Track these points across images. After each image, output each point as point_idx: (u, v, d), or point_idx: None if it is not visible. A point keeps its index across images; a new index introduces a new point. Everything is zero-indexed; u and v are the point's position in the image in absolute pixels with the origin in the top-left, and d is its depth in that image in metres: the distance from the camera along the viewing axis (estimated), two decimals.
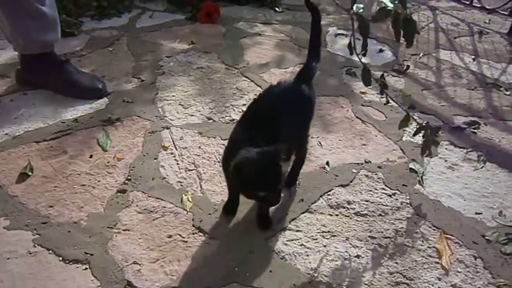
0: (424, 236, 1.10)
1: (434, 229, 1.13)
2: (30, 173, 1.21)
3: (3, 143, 1.32)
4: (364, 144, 1.43)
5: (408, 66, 1.94)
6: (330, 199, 1.20)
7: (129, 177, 1.23)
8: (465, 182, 1.30)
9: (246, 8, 2.62)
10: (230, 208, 1.14)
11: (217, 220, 1.11)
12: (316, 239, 1.08)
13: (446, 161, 1.38)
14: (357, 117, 1.57)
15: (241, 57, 1.97)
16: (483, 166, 1.36)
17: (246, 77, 1.81)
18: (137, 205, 1.14)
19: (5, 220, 1.06)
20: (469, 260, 1.04)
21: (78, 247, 1.01)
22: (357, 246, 1.07)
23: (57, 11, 1.57)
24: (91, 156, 1.30)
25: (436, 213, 1.18)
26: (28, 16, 1.46)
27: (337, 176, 1.29)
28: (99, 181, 1.21)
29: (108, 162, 1.28)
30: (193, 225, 1.10)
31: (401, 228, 1.12)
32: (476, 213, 1.18)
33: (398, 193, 1.24)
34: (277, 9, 2.62)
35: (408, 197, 1.22)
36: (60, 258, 0.98)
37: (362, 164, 1.35)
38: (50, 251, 1.00)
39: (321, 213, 1.16)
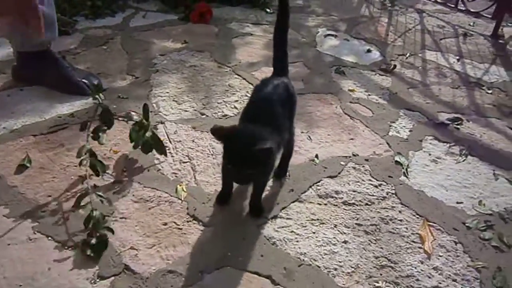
0: (408, 223, 1.16)
1: (417, 217, 1.18)
2: (28, 165, 1.24)
3: (1, 136, 1.35)
4: (352, 139, 1.49)
5: (395, 66, 2.01)
6: (319, 189, 1.25)
7: (125, 169, 1.27)
8: (447, 174, 1.36)
9: (238, 9, 2.67)
10: (223, 198, 1.18)
11: (211, 209, 1.16)
12: (305, 226, 1.13)
13: (430, 154, 1.44)
14: (345, 113, 1.63)
15: (232, 56, 2.03)
16: (464, 159, 1.43)
17: (238, 75, 1.86)
18: (133, 195, 1.18)
19: (5, 208, 1.10)
20: (450, 245, 1.10)
21: (77, 234, 1.04)
22: (345, 233, 1.12)
23: (55, 11, 1.61)
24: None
25: (420, 202, 1.23)
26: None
27: (325, 168, 1.34)
28: (96, 172, 1.24)
29: (104, 155, 1.32)
30: (188, 214, 1.14)
31: (387, 216, 1.18)
32: (457, 203, 1.24)
33: (384, 184, 1.29)
34: (268, 10, 2.68)
35: (393, 188, 1.28)
36: (59, 244, 1.02)
37: (350, 157, 1.40)
38: (49, 238, 1.03)
39: (310, 202, 1.21)
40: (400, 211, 1.20)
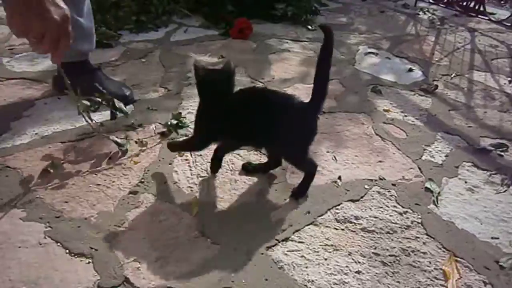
0: (432, 257, 1.06)
1: (443, 251, 1.08)
2: (51, 170, 1.28)
3: (32, 142, 1.41)
4: (380, 161, 1.41)
5: (436, 86, 1.90)
6: (337, 213, 1.19)
7: (142, 180, 1.27)
8: (484, 205, 1.24)
9: (279, 25, 2.67)
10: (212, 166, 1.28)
11: (222, 226, 1.12)
12: (317, 251, 1.06)
13: (466, 182, 1.33)
14: (376, 134, 1.55)
15: (267, 72, 2.01)
16: (506, 190, 1.30)
17: None
18: (146, 207, 1.18)
19: (22, 212, 1.13)
20: (477, 286, 0.99)
21: (85, 242, 1.05)
22: (359, 262, 1.04)
23: (93, 22, 1.67)
24: (110, 158, 1.35)
25: (448, 235, 1.13)
26: None
27: (348, 191, 1.27)
28: (113, 181, 1.26)
29: (125, 165, 1.33)
30: (197, 229, 1.11)
31: (409, 247, 1.08)
32: (492, 238, 1.12)
33: (410, 211, 1.20)
34: (309, 27, 2.65)
35: (419, 216, 1.18)
36: (67, 251, 1.02)
37: (375, 180, 1.32)
38: (59, 244, 1.04)
39: (327, 226, 1.14)
40: (424, 243, 1.10)
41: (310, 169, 1.22)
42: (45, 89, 1.75)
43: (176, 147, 1.32)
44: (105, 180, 1.27)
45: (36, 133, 1.45)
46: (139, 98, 1.71)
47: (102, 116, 1.58)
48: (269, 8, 2.78)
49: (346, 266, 1.02)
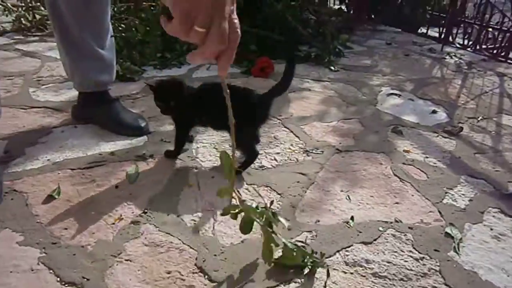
0: None
1: None
2: (56, 196, 1.27)
3: (42, 167, 1.41)
4: (397, 203, 1.32)
5: (461, 128, 1.81)
6: (347, 255, 1.10)
7: (145, 210, 1.24)
8: (511, 255, 1.12)
9: (302, 66, 2.68)
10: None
11: (222, 263, 1.06)
12: None
13: (492, 229, 1.22)
14: (395, 175, 1.47)
15: (285, 109, 1.98)
16: None
17: (286, 127, 1.80)
18: (145, 238, 1.13)
19: (20, 236, 1.10)
20: None
21: (78, 271, 1.01)
22: None
23: (115, 55, 1.72)
24: (116, 187, 1.33)
25: (470, 286, 1.02)
26: (87, 58, 1.60)
27: (360, 232, 1.19)
28: (116, 210, 1.23)
29: (130, 194, 1.30)
30: (195, 265, 1.05)
31: None
32: None
33: (427, 258, 1.10)
34: (332, 68, 2.64)
35: (438, 264, 1.08)
36: (58, 279, 0.98)
37: (391, 223, 1.23)
38: (51, 271, 1.00)
39: (335, 269, 1.05)
40: None
41: (251, 156, 1.44)
42: (64, 117, 1.78)
43: (171, 151, 1.51)
44: (108, 208, 1.24)
45: (48, 159, 1.46)
46: (154, 130, 1.70)
47: (115, 145, 1.57)
48: (292, 49, 2.81)
49: None
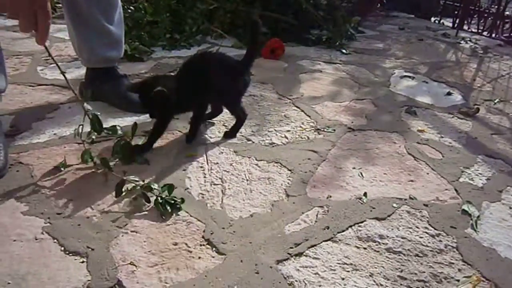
0: None
1: (483, 281, 0.93)
2: (62, 169, 1.24)
3: (49, 141, 1.39)
4: (411, 180, 1.28)
5: (478, 109, 1.76)
6: (360, 230, 1.06)
7: (153, 183, 1.20)
8: None
9: (313, 49, 2.63)
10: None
11: (230, 236, 1.03)
12: (334, 270, 0.94)
13: (511, 208, 1.17)
14: (409, 153, 1.43)
15: (296, 89, 1.94)
16: None
17: (297, 107, 1.76)
18: (152, 210, 1.10)
19: (25, 206, 1.08)
20: None
21: (82, 241, 0.98)
22: (382, 285, 0.91)
23: (123, 31, 1.68)
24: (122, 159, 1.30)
25: (489, 263, 0.98)
26: (96, 33, 1.57)
27: (373, 208, 1.15)
28: (123, 183, 1.20)
29: (137, 168, 1.27)
30: (203, 237, 1.02)
31: (441, 273, 0.94)
32: None
33: (444, 234, 1.06)
34: (344, 51, 2.58)
35: (455, 241, 1.04)
36: (62, 248, 0.96)
37: (405, 200, 1.19)
38: (55, 240, 0.98)
39: (347, 243, 1.02)
40: (459, 270, 0.95)
41: (241, 116, 1.47)
42: (71, 94, 1.74)
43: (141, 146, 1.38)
44: (114, 182, 1.20)
45: (54, 134, 1.43)
46: None
47: (122, 121, 1.55)
48: (303, 32, 2.75)
49: None
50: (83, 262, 0.93)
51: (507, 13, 2.95)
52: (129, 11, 2.54)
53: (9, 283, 0.86)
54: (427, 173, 1.32)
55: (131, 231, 1.02)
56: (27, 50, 2.26)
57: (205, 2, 2.66)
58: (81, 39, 1.59)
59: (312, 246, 1.01)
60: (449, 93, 1.96)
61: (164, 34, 2.47)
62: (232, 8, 2.69)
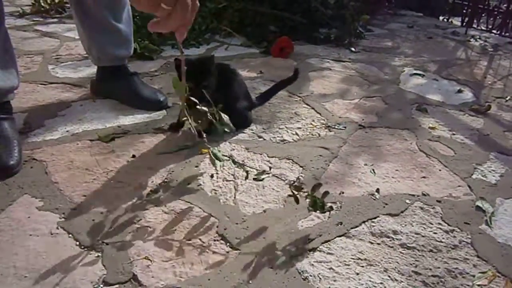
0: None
1: (498, 276, 0.92)
2: (76, 165, 1.25)
3: (61, 138, 1.40)
4: (424, 177, 1.27)
5: (489, 106, 1.75)
6: (373, 226, 1.06)
7: (166, 180, 1.21)
8: None
9: (321, 47, 2.62)
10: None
11: (244, 231, 1.03)
12: (348, 265, 0.94)
13: None
14: (420, 150, 1.42)
15: (305, 87, 1.94)
16: None
17: (307, 104, 1.75)
18: (165, 206, 1.11)
19: (40, 201, 1.09)
20: None
21: (97, 236, 0.99)
22: (396, 280, 0.90)
23: (132, 29, 1.69)
24: (133, 156, 1.31)
25: (504, 259, 0.97)
26: (104, 31, 1.57)
27: (386, 204, 1.14)
28: (136, 179, 1.21)
29: (150, 164, 1.28)
30: (217, 232, 1.02)
31: (455, 268, 0.94)
32: None
33: (458, 230, 1.05)
34: (353, 49, 2.58)
35: (469, 236, 1.03)
36: (77, 243, 0.96)
37: (418, 196, 1.18)
38: (70, 235, 0.99)
39: (361, 239, 1.02)
40: (474, 265, 0.95)
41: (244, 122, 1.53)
42: (83, 92, 1.76)
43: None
44: (128, 177, 1.22)
45: (67, 131, 1.44)
46: (172, 105, 1.68)
47: (134, 119, 1.55)
48: (312, 30, 2.75)
49: (381, 283, 0.89)
50: (98, 257, 0.93)
51: None
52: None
53: (25, 276, 0.87)
54: (440, 170, 1.31)
55: (146, 227, 1.03)
56: (38, 49, 2.28)
57: (214, 1, 2.67)
58: (90, 38, 1.60)
59: (326, 241, 1.00)
60: (459, 91, 1.95)
61: (173, 33, 2.47)
62: (241, 7, 2.69)
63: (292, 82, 1.57)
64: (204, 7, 2.63)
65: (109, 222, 1.04)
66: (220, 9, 2.67)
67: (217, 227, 1.04)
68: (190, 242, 0.99)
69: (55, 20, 2.96)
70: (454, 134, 1.54)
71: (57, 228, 1.01)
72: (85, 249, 0.95)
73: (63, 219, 1.04)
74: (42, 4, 3.10)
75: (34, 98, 1.68)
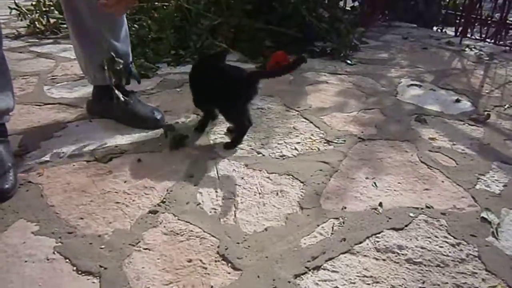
0: None
1: None
2: (72, 187, 1.23)
3: (57, 160, 1.38)
4: (427, 189, 1.25)
5: (489, 115, 1.74)
6: (378, 241, 1.04)
7: (164, 200, 1.19)
8: None
9: (317, 60, 2.62)
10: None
11: (245, 251, 1.00)
12: (354, 283, 0.91)
13: None
14: (422, 162, 1.40)
15: (303, 101, 1.93)
16: None
17: (305, 118, 1.74)
18: (164, 226, 1.08)
19: (36, 226, 1.07)
20: None
21: (95, 260, 0.96)
22: None
23: (129, 47, 1.68)
24: (133, 177, 1.29)
25: None
26: (101, 50, 1.57)
27: (390, 218, 1.12)
28: (134, 200, 1.18)
29: (148, 184, 1.26)
30: (218, 253, 1.00)
31: (464, 283, 0.91)
32: None
33: (464, 243, 1.03)
34: (348, 61, 2.58)
35: (476, 249, 1.01)
36: (74, 268, 0.94)
37: (422, 209, 1.16)
38: (67, 260, 0.96)
39: (365, 255, 0.99)
40: (483, 279, 0.92)
41: (241, 129, 1.50)
42: (78, 113, 1.75)
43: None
44: (125, 198, 1.19)
45: (63, 152, 1.42)
46: (170, 123, 1.66)
47: (131, 138, 1.54)
48: (308, 44, 2.76)
49: None
50: (96, 281, 0.90)
51: (511, 19, 2.95)
52: (134, 28, 2.56)
53: None
54: (442, 181, 1.29)
55: (144, 249, 1.00)
56: (33, 70, 2.27)
57: (208, 18, 2.68)
58: (87, 56, 1.59)
59: (330, 259, 0.98)
60: (457, 100, 1.95)
61: (169, 51, 2.48)
62: (236, 23, 2.70)
63: (295, 68, 1.50)
64: (200, 25, 2.64)
65: (107, 245, 1.01)
66: (215, 25, 2.67)
67: (218, 247, 1.01)
68: (190, 263, 0.96)
69: (51, 40, 2.96)
70: (454, 144, 1.52)
71: (53, 253, 0.98)
72: (83, 274, 0.93)
73: (59, 244, 1.01)
74: (37, 25, 3.11)
75: (30, 120, 1.67)
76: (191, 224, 1.09)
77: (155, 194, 1.21)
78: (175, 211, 1.14)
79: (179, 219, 1.11)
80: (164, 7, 2.79)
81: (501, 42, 2.98)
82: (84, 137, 1.53)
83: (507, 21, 2.96)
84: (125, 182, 1.27)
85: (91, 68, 1.61)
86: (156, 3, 2.85)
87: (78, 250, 0.99)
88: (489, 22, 3.09)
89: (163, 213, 1.13)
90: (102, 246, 1.01)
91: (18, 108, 1.74)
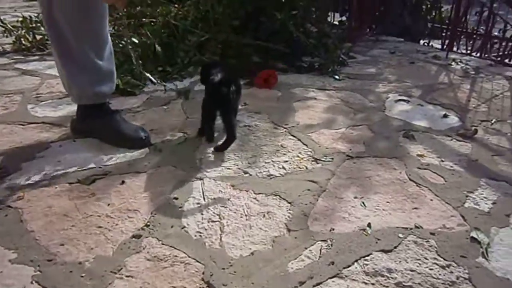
0: None
1: None
2: (53, 211, 1.19)
3: (39, 182, 1.34)
4: (415, 208, 1.24)
5: (476, 130, 1.74)
6: (366, 264, 1.01)
7: (148, 223, 1.16)
8: None
9: (305, 76, 2.62)
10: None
11: (231, 277, 0.98)
12: None
13: None
14: (410, 180, 1.39)
15: (291, 118, 1.91)
16: None
17: (293, 135, 1.73)
18: (148, 252, 1.05)
19: (13, 253, 1.03)
20: None
21: None
22: None
23: (114, 65, 1.66)
24: (112, 199, 1.26)
25: None
26: (84, 69, 1.54)
27: (378, 240, 1.10)
28: (117, 224, 1.15)
29: (131, 207, 1.23)
30: (202, 279, 0.97)
31: None
32: None
33: (454, 265, 1.01)
34: (336, 77, 2.58)
35: (466, 271, 0.99)
36: None
37: (411, 229, 1.15)
38: None
39: (354, 279, 0.97)
40: None
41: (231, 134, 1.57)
42: (63, 132, 1.71)
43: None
44: (108, 222, 1.16)
45: (44, 174, 1.39)
46: (156, 142, 1.63)
47: (116, 158, 1.51)
48: (295, 60, 2.76)
49: None
50: None
51: (495, 33, 2.99)
52: (120, 45, 2.55)
53: None
54: (431, 200, 1.28)
55: (126, 276, 0.97)
56: (17, 88, 2.24)
57: (196, 35, 2.67)
58: (71, 76, 1.56)
59: (318, 284, 0.96)
60: (445, 115, 1.95)
61: (156, 67, 2.46)
62: (223, 39, 2.70)
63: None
64: (187, 41, 2.63)
65: (88, 273, 0.98)
66: (203, 41, 2.67)
67: (203, 273, 0.99)
68: None
69: (36, 57, 2.93)
70: (443, 161, 1.52)
71: (32, 282, 0.94)
72: None
73: (38, 272, 0.97)
74: (24, 42, 3.08)
75: (12, 140, 1.63)
76: (175, 249, 1.06)
77: (139, 217, 1.18)
78: (159, 235, 1.11)
79: (163, 244, 1.08)
80: (152, 23, 2.78)
81: (486, 55, 3.01)
82: (67, 158, 1.50)
83: (492, 35, 2.99)
84: (108, 205, 1.23)
85: (74, 87, 1.58)
86: (144, 19, 2.84)
87: (57, 279, 0.95)
88: (474, 36, 3.13)
89: (147, 237, 1.10)
90: (83, 274, 0.97)
91: (0, 128, 1.71)
